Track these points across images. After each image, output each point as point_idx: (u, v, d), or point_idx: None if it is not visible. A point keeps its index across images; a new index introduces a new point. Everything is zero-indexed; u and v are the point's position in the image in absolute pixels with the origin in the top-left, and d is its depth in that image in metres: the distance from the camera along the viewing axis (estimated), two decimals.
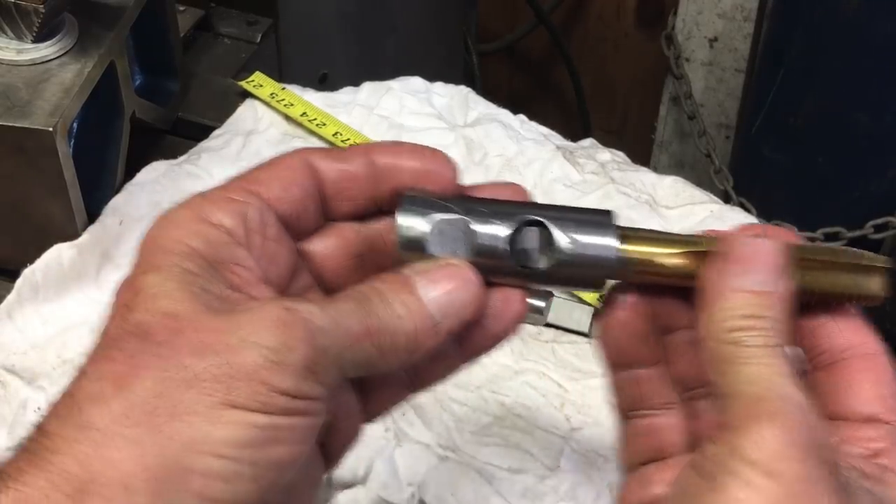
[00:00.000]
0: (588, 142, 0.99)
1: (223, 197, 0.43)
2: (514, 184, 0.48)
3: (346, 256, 0.48)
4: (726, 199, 1.57)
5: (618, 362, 0.49)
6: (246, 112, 0.98)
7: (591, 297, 0.82)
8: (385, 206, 0.47)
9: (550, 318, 0.80)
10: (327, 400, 0.41)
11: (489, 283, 0.46)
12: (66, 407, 0.38)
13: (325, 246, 0.47)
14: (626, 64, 2.18)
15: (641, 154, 2.09)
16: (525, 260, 0.46)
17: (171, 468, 0.36)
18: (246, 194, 0.44)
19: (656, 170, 0.97)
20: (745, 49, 1.93)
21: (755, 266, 0.43)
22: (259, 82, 1.00)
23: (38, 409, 0.74)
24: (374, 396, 0.47)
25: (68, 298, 0.81)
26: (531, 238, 0.46)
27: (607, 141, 1.01)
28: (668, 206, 0.91)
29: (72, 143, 0.85)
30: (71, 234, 0.84)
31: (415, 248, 0.45)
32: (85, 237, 0.84)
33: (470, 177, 0.48)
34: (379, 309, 0.42)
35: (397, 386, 0.48)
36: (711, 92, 2.01)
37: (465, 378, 0.77)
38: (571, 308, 0.81)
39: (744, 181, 1.71)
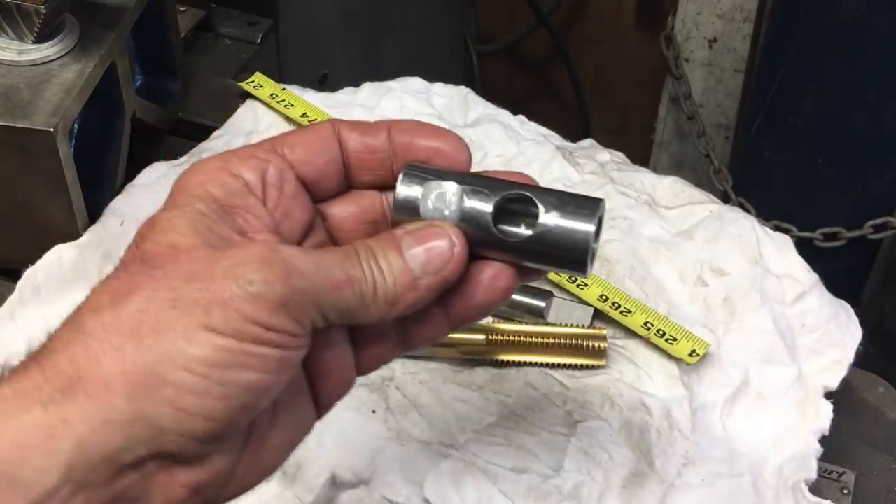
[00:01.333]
0: (587, 142, 0.99)
1: (249, 153, 0.48)
2: (524, 174, 0.51)
3: (362, 221, 0.52)
4: (726, 200, 1.57)
5: None
6: (246, 113, 0.99)
7: (591, 297, 0.82)
8: None
9: (551, 318, 0.80)
10: (304, 338, 0.45)
11: (478, 257, 0.49)
12: (72, 315, 0.44)
13: (344, 209, 0.52)
14: (626, 64, 2.18)
15: (641, 154, 2.09)
16: (506, 232, 0.48)
17: (146, 374, 0.41)
18: (270, 153, 0.49)
19: (656, 170, 0.97)
20: (744, 49, 1.93)
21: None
22: (259, 83, 1.00)
23: None
24: (366, 350, 0.51)
25: (70, 299, 0.80)
26: (515, 211, 0.49)
27: (607, 141, 1.01)
28: (668, 206, 0.91)
29: (73, 143, 0.85)
30: (72, 235, 0.84)
31: (408, 211, 0.49)
32: (86, 238, 0.84)
33: None
34: (363, 260, 0.46)
35: (388, 342, 0.52)
36: (711, 92, 2.01)
37: (466, 378, 0.77)
38: (572, 308, 0.81)
39: (743, 181, 1.72)
